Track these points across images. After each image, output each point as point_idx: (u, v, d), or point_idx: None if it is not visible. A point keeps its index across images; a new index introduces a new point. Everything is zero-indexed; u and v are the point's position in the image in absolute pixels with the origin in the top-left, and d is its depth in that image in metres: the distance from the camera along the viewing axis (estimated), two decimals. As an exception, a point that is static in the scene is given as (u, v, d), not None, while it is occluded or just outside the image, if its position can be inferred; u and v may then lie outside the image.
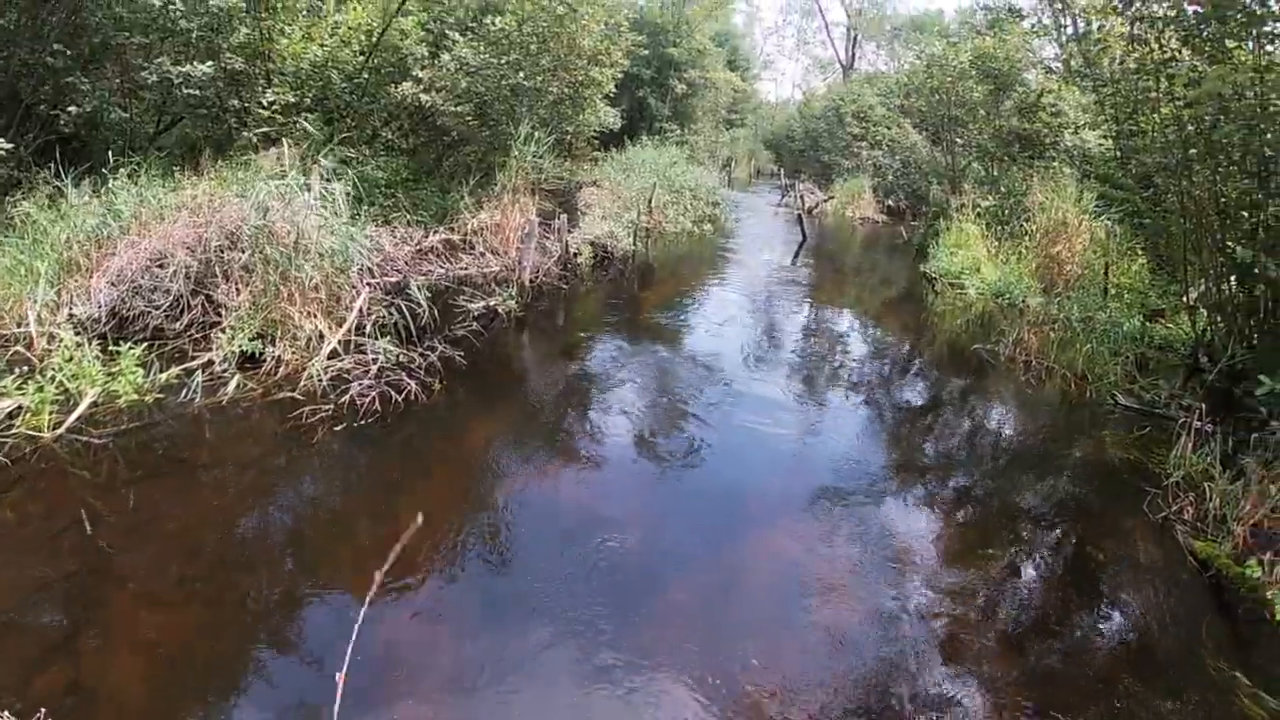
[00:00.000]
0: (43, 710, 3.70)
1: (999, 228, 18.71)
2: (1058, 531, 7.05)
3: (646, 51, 27.56)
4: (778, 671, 5.07)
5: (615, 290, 14.89)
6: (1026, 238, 17.25)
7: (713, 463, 7.67)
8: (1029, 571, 6.39)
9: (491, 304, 11.52)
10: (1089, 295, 14.16)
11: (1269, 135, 8.78)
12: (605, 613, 5.43)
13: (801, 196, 33.72)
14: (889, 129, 32.52)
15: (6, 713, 3.43)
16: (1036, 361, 11.48)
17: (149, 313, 8.87)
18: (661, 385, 9.62)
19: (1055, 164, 19.62)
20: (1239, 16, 8.75)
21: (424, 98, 15.14)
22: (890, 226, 29.18)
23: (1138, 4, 10.44)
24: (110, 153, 10.74)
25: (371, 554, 5.85)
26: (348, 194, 10.55)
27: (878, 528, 6.80)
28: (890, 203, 32.85)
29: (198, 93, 12.89)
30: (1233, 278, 10.11)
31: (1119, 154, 13.21)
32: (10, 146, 10.02)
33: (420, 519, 4.99)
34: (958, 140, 24.61)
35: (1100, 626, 5.80)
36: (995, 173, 21.57)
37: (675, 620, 5.45)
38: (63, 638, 4.93)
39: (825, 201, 34.24)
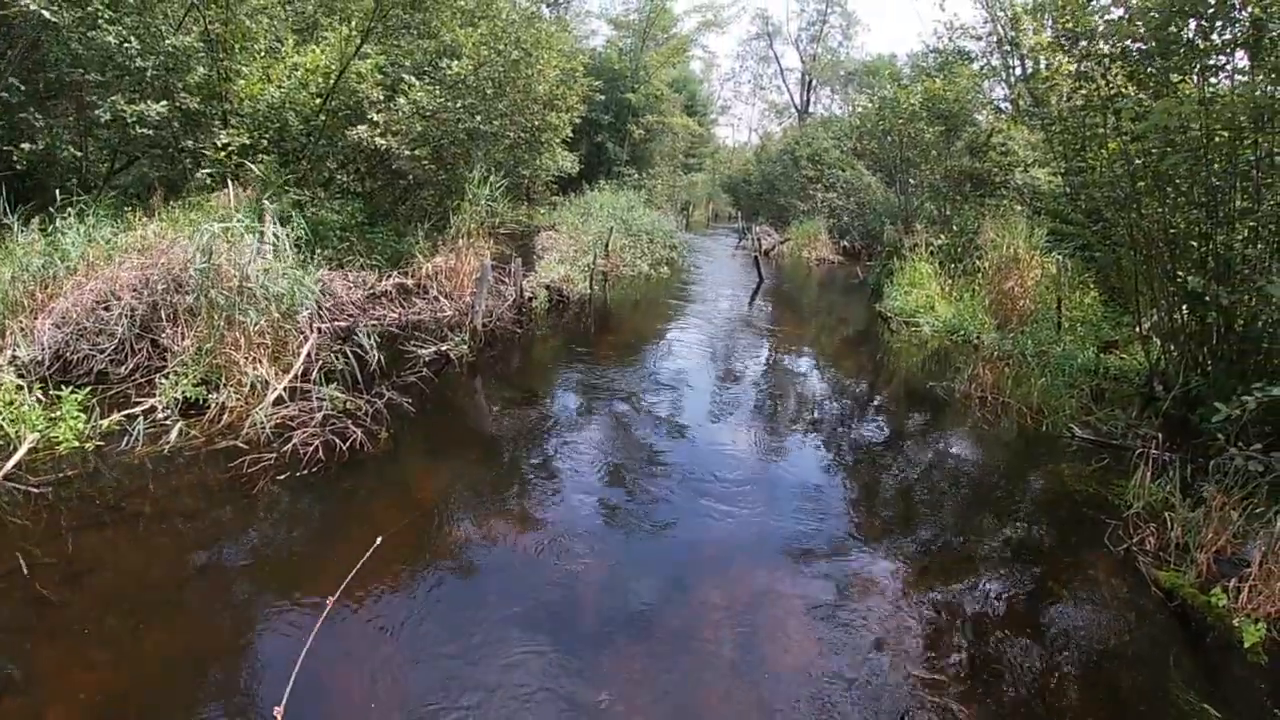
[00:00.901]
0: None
1: (952, 265, 19.07)
2: (1018, 568, 7.10)
3: (604, 97, 27.92)
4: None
5: (570, 335, 14.96)
6: (979, 275, 17.58)
7: (665, 513, 7.66)
8: (989, 610, 6.41)
9: (443, 349, 11.50)
10: (1042, 329, 14.42)
11: (1215, 165, 9.10)
12: (549, 670, 5.39)
13: (759, 239, 34.11)
14: (843, 170, 33.04)
15: None
16: (992, 397, 11.66)
17: (93, 356, 8.81)
18: (614, 433, 9.66)
19: (1006, 201, 20.05)
20: (1182, 51, 9.05)
21: (379, 141, 15.20)
22: (846, 266, 29.60)
23: (1084, 42, 10.74)
24: (61, 191, 10.68)
25: (309, 604, 5.83)
26: (300, 237, 10.54)
27: (832, 569, 6.84)
28: (846, 243, 33.34)
29: (151, 132, 12.88)
30: (1184, 307, 10.40)
31: (1068, 190, 13.55)
32: (-41, 184, 9.97)
33: (379, 540, 4.94)
34: (910, 180, 25.09)
35: (1065, 663, 5.79)
36: (947, 211, 21.99)
37: (624, 674, 5.43)
38: None
39: (782, 243, 34.65)
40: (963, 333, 15.79)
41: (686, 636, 5.79)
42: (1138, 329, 11.92)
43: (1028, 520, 8.11)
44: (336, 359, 9.59)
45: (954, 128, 22.24)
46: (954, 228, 20.44)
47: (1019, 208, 19.12)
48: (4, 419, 7.46)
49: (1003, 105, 23.30)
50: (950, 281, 18.45)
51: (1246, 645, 5.80)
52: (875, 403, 12.28)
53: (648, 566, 6.76)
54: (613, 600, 6.21)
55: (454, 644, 5.55)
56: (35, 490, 6.84)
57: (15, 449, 7.17)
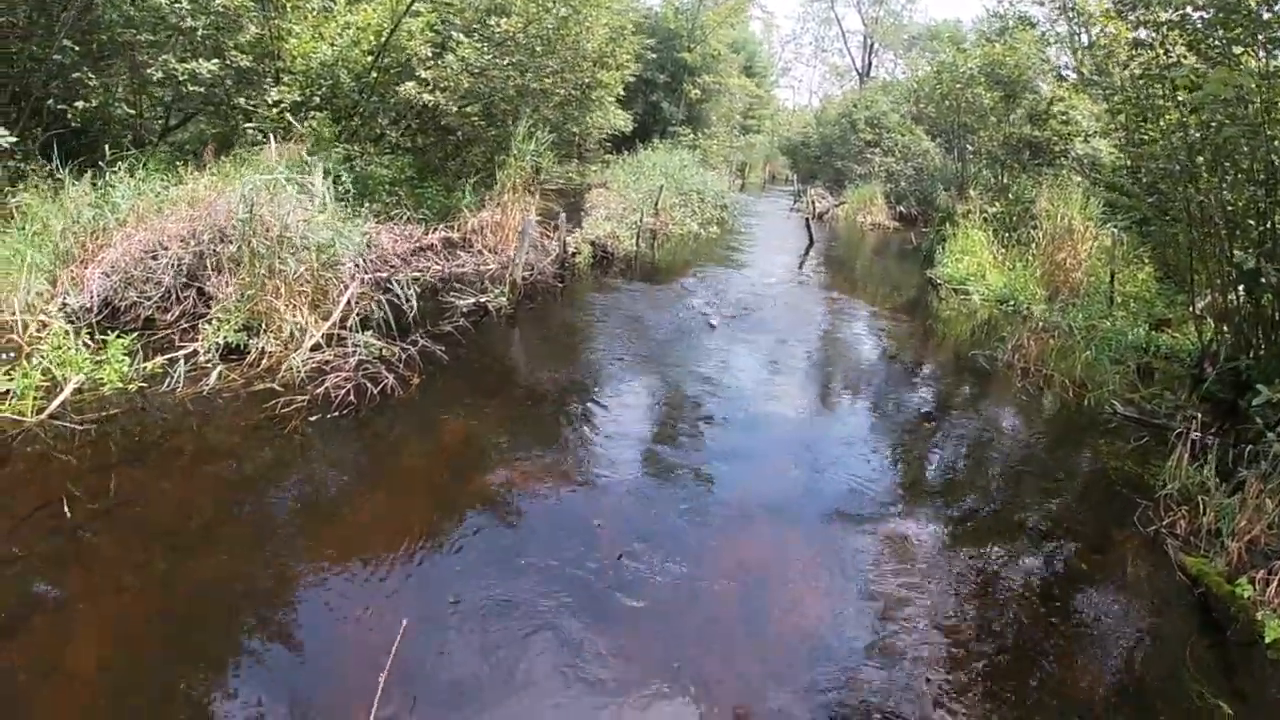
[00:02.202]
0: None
1: (1005, 234, 18.75)
2: (1045, 541, 7.01)
3: (659, 56, 27.77)
4: (757, 669, 5.24)
5: (611, 290, 14.99)
6: (1032, 245, 17.26)
7: (697, 467, 7.71)
8: (1011, 581, 6.36)
9: (482, 300, 11.66)
10: (1094, 303, 14.16)
11: (1276, 141, 8.78)
12: (575, 611, 5.55)
13: (812, 202, 33.83)
14: (902, 135, 32.55)
15: None
16: (1035, 368, 11.50)
17: (141, 303, 9.10)
18: (650, 388, 9.73)
19: (1064, 172, 19.61)
20: (1244, 21, 8.76)
21: (428, 97, 15.34)
22: (900, 232, 29.21)
23: (1141, 9, 10.46)
24: (115, 148, 11.00)
25: (335, 539, 6.08)
26: (348, 191, 10.75)
27: (863, 530, 6.89)
28: (902, 209, 32.85)
29: (204, 90, 13.15)
30: (1239, 287, 10.09)
31: (1129, 162, 13.19)
32: (15, 140, 10.26)
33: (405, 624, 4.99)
34: (968, 147, 24.69)
35: (1081, 641, 5.72)
36: (1004, 179, 21.61)
37: (649, 619, 5.59)
38: (25, 615, 5.10)
39: (837, 207, 34.31)
40: (1012, 302, 15.56)
41: (708, 588, 5.89)
42: (1191, 308, 11.61)
43: (1060, 494, 7.99)
44: (375, 308, 9.76)
45: (1013, 94, 21.80)
46: (1010, 196, 20.09)
47: (1077, 179, 18.67)
48: (52, 361, 7.70)
49: (1066, 73, 22.72)
50: (1003, 250, 18.16)
51: (1268, 640, 5.56)
52: (918, 368, 12.18)
53: (677, 519, 6.83)
54: (637, 551, 6.27)
55: (471, 587, 5.71)
56: (79, 428, 7.09)
57: (61, 390, 7.42)
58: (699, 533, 6.66)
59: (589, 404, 9.02)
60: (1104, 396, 10.35)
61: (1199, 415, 8.47)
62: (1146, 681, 5.42)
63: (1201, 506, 7.06)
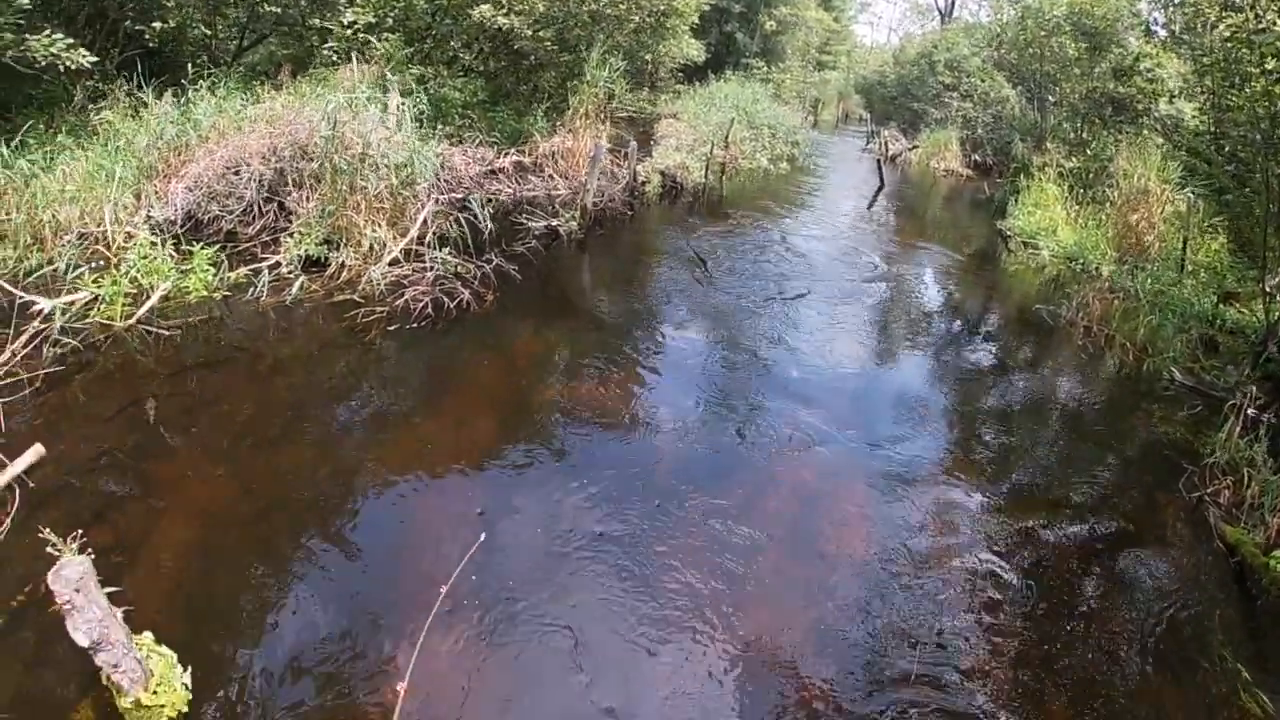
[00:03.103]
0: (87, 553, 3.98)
1: (1080, 190, 18.21)
2: (1088, 496, 6.95)
3: (734, -15, 27.29)
4: (805, 581, 5.38)
5: (679, 221, 14.91)
6: (1107, 204, 16.79)
7: (753, 401, 7.74)
8: (1051, 533, 6.31)
9: (553, 224, 11.69)
10: (1163, 269, 13.78)
11: None
12: (631, 522, 5.70)
13: (886, 143, 33.19)
14: (981, 81, 31.68)
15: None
16: (1098, 328, 11.24)
17: (222, 217, 9.25)
18: (712, 321, 9.69)
19: (1144, 131, 18.97)
20: None
21: (502, 21, 15.24)
22: (974, 181, 28.48)
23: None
24: (192, 67, 11.07)
25: (409, 444, 6.24)
26: (422, 113, 10.80)
27: (912, 470, 6.87)
28: (977, 157, 31.92)
29: (279, 11, 13.22)
30: None
31: (1212, 128, 12.74)
32: (96, 59, 10.39)
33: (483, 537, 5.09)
34: (1049, 98, 24.00)
35: (1112, 600, 5.70)
36: (1084, 134, 20.99)
37: (703, 531, 5.71)
38: (114, 501, 5.32)
39: (910, 150, 33.57)
40: (1081, 261, 15.16)
41: (753, 519, 5.92)
42: (1261, 284, 11.20)
43: (1109, 453, 7.85)
44: (451, 226, 9.84)
45: (1099, 46, 21.03)
46: (1088, 151, 19.47)
47: (1157, 140, 18.01)
48: (139, 271, 7.87)
49: (1156, 29, 21.83)
50: (1076, 207, 17.65)
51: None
52: (981, 320, 11.93)
53: (734, 443, 6.90)
54: (690, 477, 6.33)
55: (534, 496, 5.87)
56: (165, 333, 7.28)
57: (148, 297, 7.59)
58: (755, 456, 6.74)
59: (654, 330, 9.07)
60: (1164, 363, 10.06)
61: (1256, 392, 8.21)
62: (1172, 639, 5.37)
63: (1247, 479, 6.94)
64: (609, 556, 5.33)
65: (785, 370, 8.46)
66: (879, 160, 25.69)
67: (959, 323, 11.53)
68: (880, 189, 22.64)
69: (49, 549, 3.60)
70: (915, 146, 33.59)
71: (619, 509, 5.78)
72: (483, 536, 4.67)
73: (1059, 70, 22.31)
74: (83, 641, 3.24)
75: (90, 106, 10.38)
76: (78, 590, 3.17)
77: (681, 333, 9.04)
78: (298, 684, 4.24)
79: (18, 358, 6.44)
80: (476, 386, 7.36)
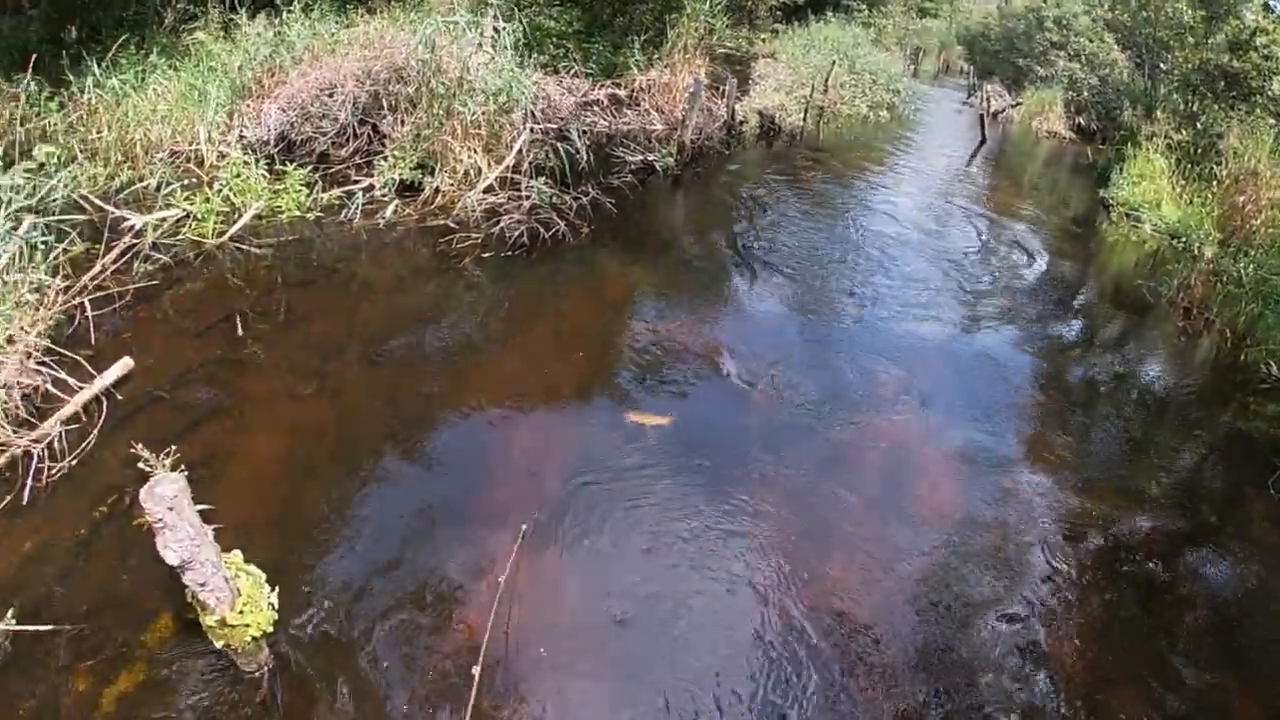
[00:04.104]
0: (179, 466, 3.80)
1: (1187, 165, 17.28)
2: (1173, 487, 6.47)
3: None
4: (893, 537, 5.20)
5: (777, 162, 14.39)
6: (1214, 182, 15.89)
7: (844, 344, 7.48)
8: (1131, 517, 5.90)
9: (649, 159, 11.34)
10: (1270, 256, 12.91)
11: None
12: (716, 464, 5.54)
13: (988, 99, 32.01)
14: (1090, 41, 30.34)
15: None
16: (1198, 311, 10.54)
17: (316, 139, 9.07)
18: (804, 268, 9.25)
19: (1258, 111, 17.95)
20: None
21: (600, -51, 14.88)
22: (1076, 145, 27.27)
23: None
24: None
25: (499, 373, 6.11)
26: (518, 40, 10.50)
27: (996, 441, 6.49)
28: (1081, 120, 30.57)
29: (376, -67, 12.94)
30: None
31: None
32: (188, -20, 10.27)
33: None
34: (1160, 65, 22.87)
35: (1187, 593, 5.35)
36: (1194, 106, 19.94)
37: (792, 478, 5.54)
38: (202, 416, 5.19)
39: (1012, 107, 32.29)
40: (1184, 238, 14.33)
41: (839, 475, 5.68)
42: None
43: (1197, 441, 7.33)
44: (547, 156, 9.56)
45: (1215, 15, 19.93)
46: (1198, 126, 18.46)
47: (1271, 121, 16.98)
48: (231, 189, 7.73)
49: (1275, 3, 20.63)
50: (1182, 182, 16.72)
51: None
52: (1078, 289, 11.23)
53: (822, 393, 6.61)
54: (777, 424, 6.11)
55: (612, 434, 5.71)
56: (256, 252, 7.15)
57: (240, 216, 7.46)
58: (842, 412, 6.44)
59: (748, 273, 8.68)
60: (1261, 355, 9.33)
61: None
62: (1240, 636, 5.02)
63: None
64: (690, 497, 5.19)
65: (875, 326, 8.06)
66: (981, 116, 24.71)
67: (1056, 290, 10.85)
68: (982, 144, 21.83)
69: (141, 464, 3.41)
70: (1018, 104, 32.35)
71: (703, 452, 5.60)
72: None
73: (1172, 37, 21.19)
74: (172, 560, 3.03)
75: (181, 28, 10.23)
76: (171, 508, 2.95)
77: (774, 277, 8.67)
78: (381, 601, 4.17)
79: (108, 271, 6.32)
80: (567, 318, 7.14)
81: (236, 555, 3.50)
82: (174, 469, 3.38)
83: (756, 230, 10.13)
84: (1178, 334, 9.75)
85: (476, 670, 3.70)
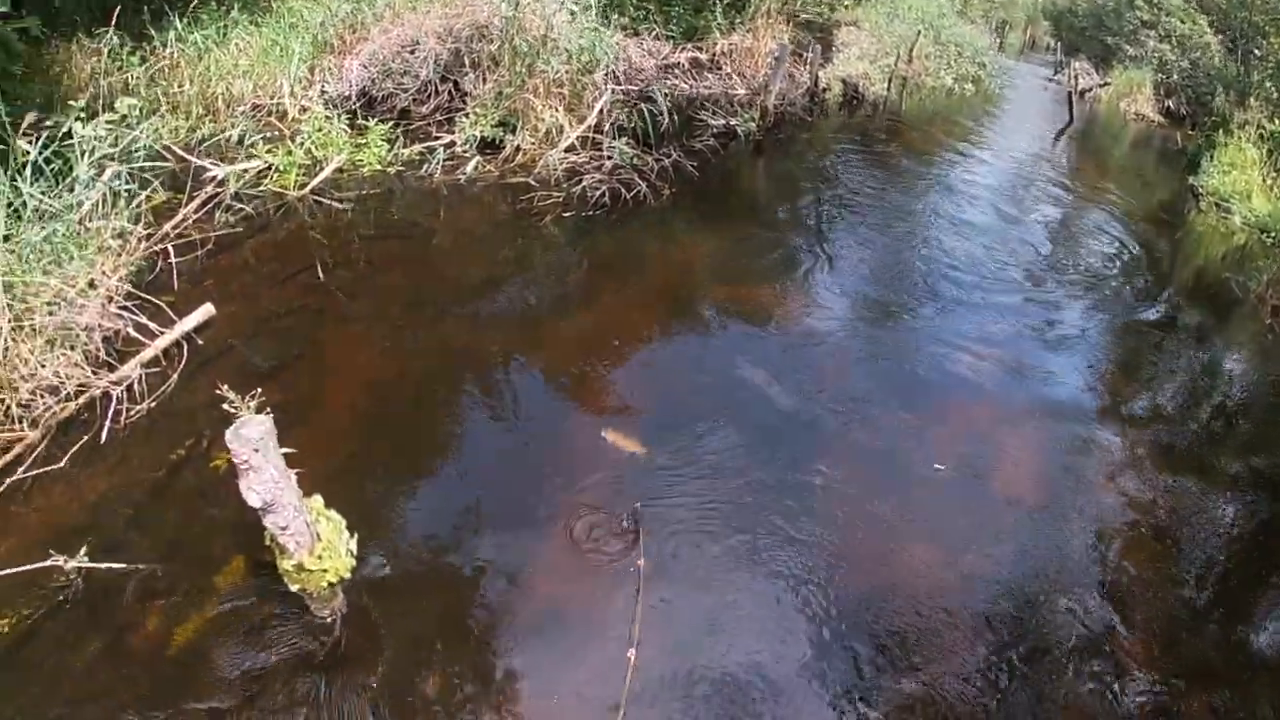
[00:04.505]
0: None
1: None
2: (1247, 483, 6.08)
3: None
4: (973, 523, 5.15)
5: (860, 132, 14.05)
6: None
7: (922, 320, 7.24)
8: (1206, 512, 5.60)
9: (731, 124, 11.12)
10: None
11: None
12: (788, 432, 5.43)
13: (1076, 76, 31.13)
14: (1182, 22, 29.35)
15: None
16: None
17: (397, 95, 9.01)
18: (888, 235, 8.98)
19: None
20: None
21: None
22: (1165, 129, 26.46)
23: None
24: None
25: (574, 328, 6.09)
26: (600, 0, 10.36)
27: (1073, 427, 6.18)
28: (1170, 103, 29.63)
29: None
30: None
31: None
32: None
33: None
34: (1255, 51, 22.04)
35: (1256, 585, 5.10)
36: None
37: (863, 448, 5.43)
38: (281, 362, 5.18)
39: (1100, 87, 31.41)
40: (1275, 233, 13.69)
41: (917, 448, 5.52)
42: None
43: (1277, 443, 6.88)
44: (629, 117, 9.40)
45: None
46: None
47: None
48: (313, 143, 7.70)
49: None
50: (1274, 174, 16.05)
51: None
52: (1162, 279, 10.73)
53: (895, 374, 6.40)
54: (854, 394, 5.97)
55: (688, 395, 5.65)
56: (337, 205, 7.12)
57: (322, 169, 7.43)
58: (921, 385, 6.27)
59: (824, 242, 8.44)
60: None
61: None
62: None
63: None
64: (763, 460, 5.09)
65: (955, 300, 7.77)
66: (1069, 94, 24.03)
67: (1141, 278, 10.37)
68: (1069, 124, 21.24)
69: (226, 406, 3.32)
70: (1106, 84, 31.47)
71: (777, 415, 5.54)
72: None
73: (1268, 22, 20.41)
74: (255, 502, 2.94)
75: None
76: (256, 450, 2.87)
77: (854, 247, 8.45)
78: (455, 554, 4.18)
79: (190, 220, 6.35)
80: (642, 278, 7.04)
81: (318, 500, 3.41)
82: (258, 412, 3.30)
83: (836, 200, 9.88)
84: (1265, 331, 9.25)
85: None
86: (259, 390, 3.79)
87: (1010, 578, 4.64)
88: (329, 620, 3.60)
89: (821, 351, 6.40)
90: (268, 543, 3.24)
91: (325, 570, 3.29)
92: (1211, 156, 17.22)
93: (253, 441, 2.83)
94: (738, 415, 5.40)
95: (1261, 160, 16.24)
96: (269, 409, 3.49)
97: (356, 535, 3.53)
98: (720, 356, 6.08)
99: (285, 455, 3.08)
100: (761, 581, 4.29)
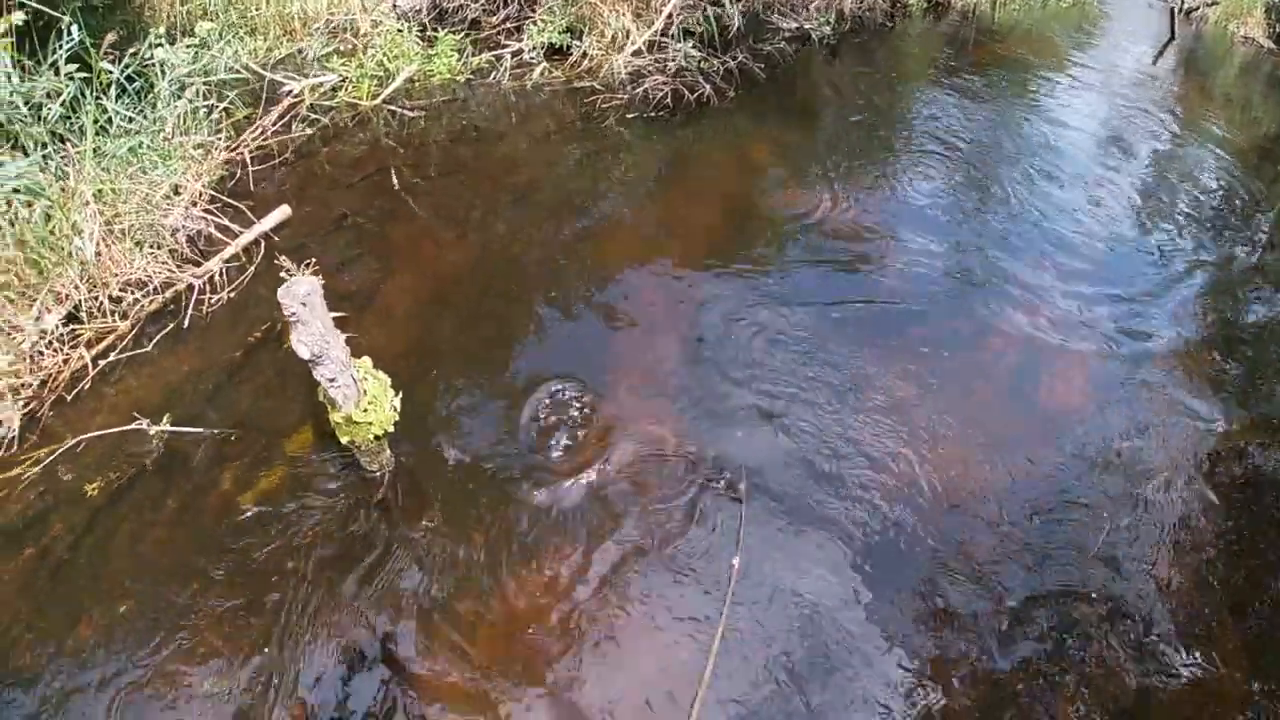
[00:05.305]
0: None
1: None
2: None
3: None
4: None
5: (944, 42, 13.55)
6: None
7: (989, 241, 7.02)
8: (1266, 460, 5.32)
9: (805, 26, 11.00)
10: None
11: None
12: (840, 341, 5.45)
13: (1181, -8, 29.66)
14: None
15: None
16: None
17: (467, 5, 9.12)
18: (968, 151, 8.60)
19: None
20: None
21: None
22: (1276, 56, 25.15)
23: None
24: None
25: (634, 229, 6.25)
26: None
27: (1133, 363, 5.93)
28: None
29: None
30: None
31: None
32: None
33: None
34: None
35: None
36: None
37: (915, 357, 5.44)
38: (353, 256, 5.51)
39: (1208, 6, 29.95)
40: None
41: (970, 361, 5.54)
42: None
43: None
44: (698, 21, 9.39)
45: None
46: None
47: None
48: (385, 55, 7.93)
49: None
50: None
51: None
52: (1258, 214, 10.20)
53: (955, 290, 6.28)
54: (911, 307, 5.93)
55: (745, 300, 5.68)
56: (409, 114, 7.35)
57: (394, 79, 7.66)
58: (981, 302, 6.13)
59: (897, 152, 8.27)
60: None
61: None
62: None
63: None
64: (816, 365, 5.18)
65: (1028, 225, 7.42)
66: (1172, 10, 22.97)
67: (1233, 214, 9.94)
68: (1170, 42, 20.30)
69: (282, 273, 3.59)
70: (1214, 2, 29.93)
71: (831, 323, 5.56)
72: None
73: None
74: (304, 354, 3.22)
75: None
76: (304, 304, 3.14)
77: (926, 162, 8.16)
78: (496, 428, 4.45)
79: (268, 132, 6.64)
80: (704, 181, 7.10)
81: (366, 361, 3.69)
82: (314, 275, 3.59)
83: (914, 110, 9.69)
84: None
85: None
86: (314, 259, 4.07)
87: (1040, 498, 4.67)
88: (378, 474, 4.00)
89: (880, 260, 6.38)
90: (320, 398, 3.53)
91: (371, 423, 3.59)
92: (1320, 84, 16.38)
93: (300, 296, 3.10)
94: (789, 316, 5.53)
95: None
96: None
97: (401, 394, 3.81)
98: (777, 262, 6.15)
99: (350, 339, 3.39)
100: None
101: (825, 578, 3.97)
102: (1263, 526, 4.80)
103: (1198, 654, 3.99)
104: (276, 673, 3.39)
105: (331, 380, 3.34)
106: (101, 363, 4.53)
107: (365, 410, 3.54)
